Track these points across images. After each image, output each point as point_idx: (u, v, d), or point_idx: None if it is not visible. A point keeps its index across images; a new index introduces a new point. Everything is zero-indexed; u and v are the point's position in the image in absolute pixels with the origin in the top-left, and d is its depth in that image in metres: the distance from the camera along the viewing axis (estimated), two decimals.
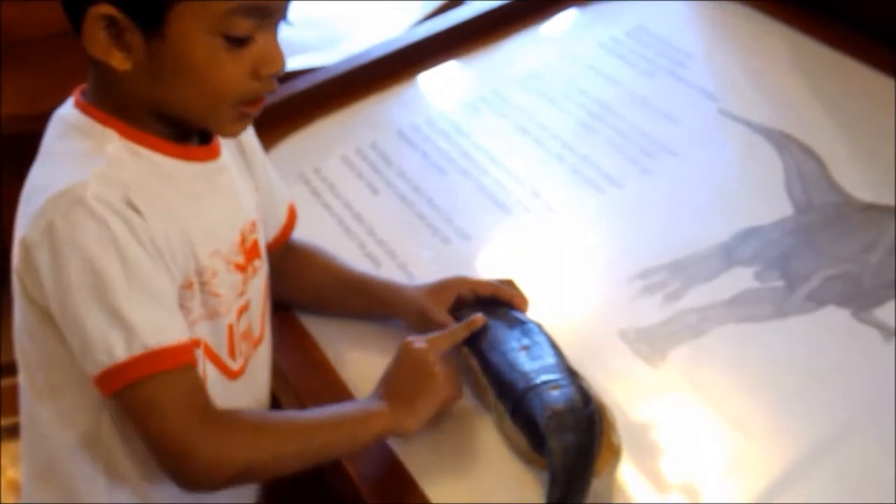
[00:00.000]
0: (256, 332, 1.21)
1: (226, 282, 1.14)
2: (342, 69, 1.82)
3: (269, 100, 1.75)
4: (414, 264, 1.47)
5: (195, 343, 1.10)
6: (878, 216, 1.42)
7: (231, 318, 1.15)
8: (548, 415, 1.13)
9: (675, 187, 1.55)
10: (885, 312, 1.28)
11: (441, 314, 1.28)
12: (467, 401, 1.23)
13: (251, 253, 1.18)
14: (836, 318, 1.29)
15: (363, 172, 1.65)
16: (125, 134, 1.08)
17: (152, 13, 1.03)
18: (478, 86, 1.82)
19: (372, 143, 1.70)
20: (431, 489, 1.16)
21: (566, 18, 1.94)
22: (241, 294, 1.17)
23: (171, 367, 1.04)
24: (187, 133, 1.12)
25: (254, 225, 1.19)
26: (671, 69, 1.76)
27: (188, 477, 1.07)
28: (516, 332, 1.24)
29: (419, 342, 1.18)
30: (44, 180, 1.06)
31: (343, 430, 1.14)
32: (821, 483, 1.13)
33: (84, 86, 1.12)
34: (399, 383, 1.16)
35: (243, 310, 1.18)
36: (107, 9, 1.02)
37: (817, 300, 1.31)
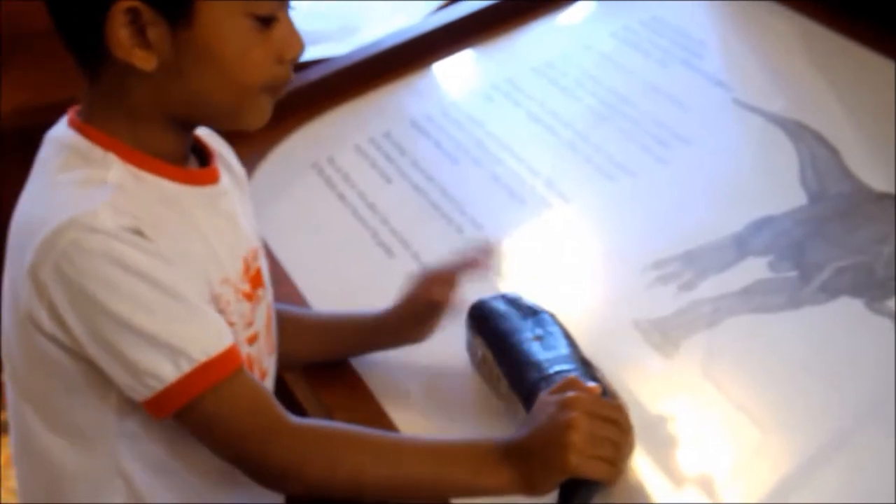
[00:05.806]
0: (263, 365, 1.15)
1: (236, 311, 1.08)
2: (356, 58, 1.82)
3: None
4: (427, 253, 1.47)
5: None
6: (892, 206, 1.41)
7: (244, 348, 1.09)
8: None
9: (688, 177, 1.54)
10: None
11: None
12: (481, 390, 1.24)
13: (255, 281, 1.12)
14: (849, 308, 1.29)
15: (377, 162, 1.65)
16: (126, 157, 1.02)
17: (181, 2, 0.98)
18: (491, 75, 1.81)
19: (385, 132, 1.71)
20: None
21: (579, 8, 1.93)
22: (250, 324, 1.11)
23: (225, 376, 1.00)
24: (186, 153, 1.08)
25: (255, 252, 1.14)
26: (685, 58, 1.75)
27: (269, 481, 1.04)
28: (529, 322, 1.24)
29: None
30: (44, 211, 1.00)
31: (448, 467, 1.04)
32: (835, 476, 1.13)
33: (78, 106, 1.06)
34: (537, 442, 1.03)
35: (252, 340, 1.12)
36: (130, 2, 0.97)
37: (830, 291, 1.31)
